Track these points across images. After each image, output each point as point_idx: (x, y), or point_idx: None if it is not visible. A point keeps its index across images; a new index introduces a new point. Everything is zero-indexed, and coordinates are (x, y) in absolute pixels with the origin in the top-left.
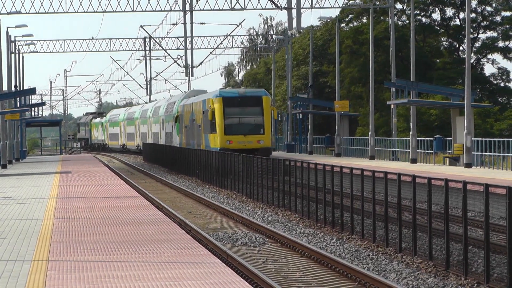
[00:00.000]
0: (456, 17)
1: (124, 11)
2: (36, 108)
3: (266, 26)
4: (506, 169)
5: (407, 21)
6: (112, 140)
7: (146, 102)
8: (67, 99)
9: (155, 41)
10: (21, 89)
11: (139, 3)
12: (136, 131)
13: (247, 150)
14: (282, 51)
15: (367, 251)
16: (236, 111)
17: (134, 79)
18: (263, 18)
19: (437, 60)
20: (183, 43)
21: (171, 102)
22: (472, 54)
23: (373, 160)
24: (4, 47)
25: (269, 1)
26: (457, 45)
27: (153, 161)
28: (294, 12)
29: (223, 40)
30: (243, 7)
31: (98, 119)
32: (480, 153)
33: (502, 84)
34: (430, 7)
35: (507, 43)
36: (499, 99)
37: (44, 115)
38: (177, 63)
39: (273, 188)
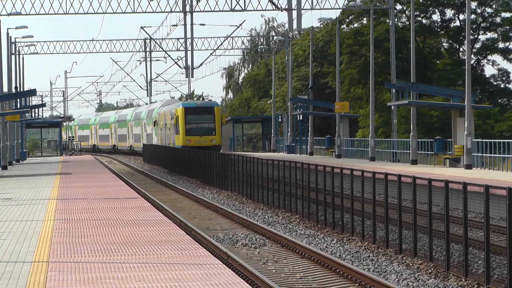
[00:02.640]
0: (456, 18)
1: (125, 12)
2: (36, 110)
3: (267, 27)
4: (507, 170)
5: (407, 23)
6: (82, 141)
7: (146, 103)
8: (67, 100)
9: (156, 42)
10: (22, 90)
11: (139, 4)
12: (111, 133)
13: (202, 147)
14: (283, 53)
15: (367, 252)
16: (195, 118)
17: (134, 80)
18: (264, 19)
19: (437, 62)
20: (184, 44)
21: (151, 109)
22: (472, 55)
23: (373, 162)
24: (5, 48)
25: (269, 2)
26: (457, 46)
27: (153, 162)
28: (294, 13)
29: (224, 41)
30: (243, 8)
31: (65, 123)
32: (481, 154)
33: (502, 85)
34: (430, 9)
35: (507, 44)
36: (499, 100)
37: (44, 116)
38: (178, 64)
39: (273, 189)
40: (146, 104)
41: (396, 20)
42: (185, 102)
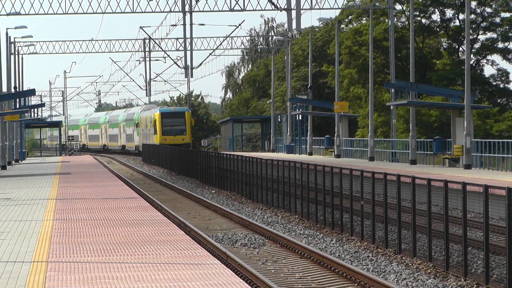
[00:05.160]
0: (456, 18)
1: (124, 12)
2: (35, 109)
3: (267, 27)
4: (506, 170)
5: (407, 22)
6: (51, 140)
7: (145, 103)
8: (66, 100)
9: (155, 42)
10: (21, 90)
11: (138, 4)
12: (80, 134)
13: (175, 144)
14: (282, 52)
15: (366, 252)
16: (169, 121)
17: (133, 80)
18: (264, 19)
19: (437, 61)
20: (183, 44)
21: (131, 113)
22: (472, 55)
23: (372, 161)
24: (4, 48)
25: (268, 2)
26: (457, 46)
27: (152, 162)
28: (293, 13)
29: (223, 41)
30: (242, 8)
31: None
32: (480, 154)
33: (501, 85)
34: (430, 8)
35: (506, 44)
36: (498, 100)
37: (43, 116)
38: (177, 64)
39: (273, 189)
40: (146, 104)
41: (395, 19)
42: (161, 108)
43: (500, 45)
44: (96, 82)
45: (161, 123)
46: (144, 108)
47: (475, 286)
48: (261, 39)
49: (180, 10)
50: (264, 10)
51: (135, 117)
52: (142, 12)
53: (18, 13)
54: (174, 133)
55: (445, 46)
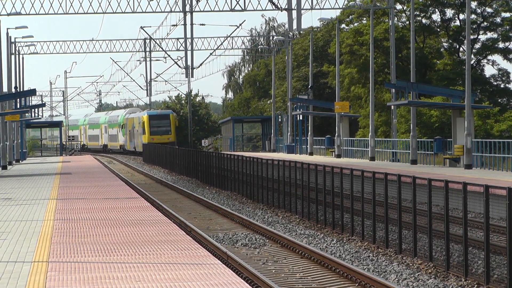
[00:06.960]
0: (456, 18)
1: (124, 12)
2: (36, 109)
3: (267, 27)
4: (506, 170)
5: (407, 22)
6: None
7: (146, 103)
8: (67, 100)
9: (155, 42)
10: (21, 90)
11: (139, 4)
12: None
13: (162, 143)
14: (283, 52)
15: (367, 252)
16: (156, 122)
17: (134, 80)
18: (265, 19)
19: (437, 61)
20: (183, 44)
21: (114, 115)
22: (472, 55)
23: (373, 161)
24: (4, 48)
25: (269, 2)
26: (457, 46)
27: (153, 162)
28: (294, 13)
29: (224, 41)
30: (243, 8)
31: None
32: (480, 154)
33: (502, 85)
34: (430, 8)
35: (507, 44)
36: (499, 100)
37: (44, 116)
38: (177, 64)
39: (273, 189)
40: (146, 103)
41: (396, 19)
42: (149, 111)
43: (501, 45)
44: (97, 82)
45: (149, 124)
46: (129, 111)
47: (475, 286)
48: (262, 39)
49: (181, 10)
50: (265, 10)
51: (119, 119)
52: (142, 12)
53: (19, 13)
54: (160, 133)
55: (445, 46)
